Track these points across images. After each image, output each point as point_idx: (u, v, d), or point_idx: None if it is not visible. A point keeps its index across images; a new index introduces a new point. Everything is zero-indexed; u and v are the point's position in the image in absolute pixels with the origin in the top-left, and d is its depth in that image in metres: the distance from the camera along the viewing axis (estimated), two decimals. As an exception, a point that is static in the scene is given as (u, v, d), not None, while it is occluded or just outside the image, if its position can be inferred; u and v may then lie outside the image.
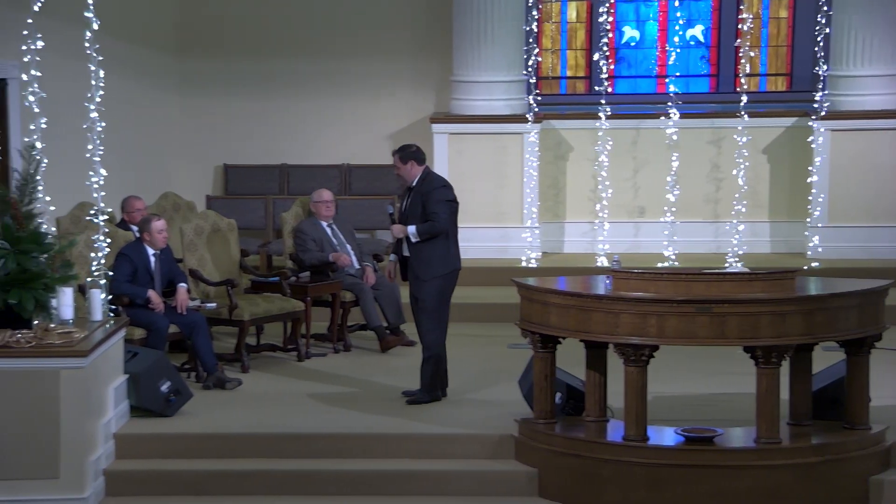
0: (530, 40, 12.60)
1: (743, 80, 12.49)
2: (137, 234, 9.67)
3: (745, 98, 12.25)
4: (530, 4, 12.54)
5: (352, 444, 8.23)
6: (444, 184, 8.96)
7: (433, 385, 8.94)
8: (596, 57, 12.93)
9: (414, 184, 8.89)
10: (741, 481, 7.58)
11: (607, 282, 7.94)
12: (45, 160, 8.16)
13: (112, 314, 8.70)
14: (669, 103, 12.38)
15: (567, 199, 13.09)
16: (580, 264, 12.40)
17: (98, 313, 8.40)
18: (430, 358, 8.92)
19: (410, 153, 8.92)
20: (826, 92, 12.63)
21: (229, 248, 10.42)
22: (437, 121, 12.94)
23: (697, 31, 14.21)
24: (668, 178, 12.48)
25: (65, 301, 8.16)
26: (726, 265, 12.03)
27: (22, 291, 7.73)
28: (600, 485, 7.75)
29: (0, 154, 8.40)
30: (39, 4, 8.34)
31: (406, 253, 8.92)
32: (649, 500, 7.66)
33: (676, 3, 13.57)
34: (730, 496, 7.58)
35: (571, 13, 14.23)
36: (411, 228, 8.82)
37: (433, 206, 8.82)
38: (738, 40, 13.09)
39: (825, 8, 12.60)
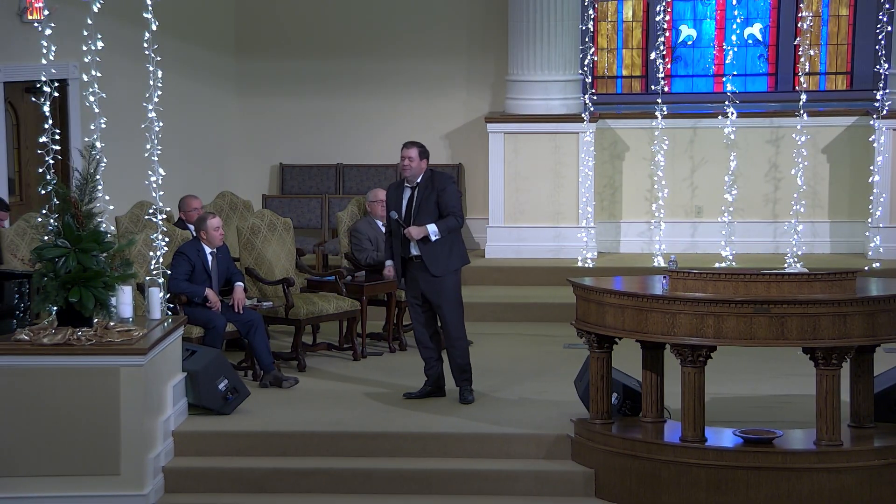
0: (586, 39, 12.55)
1: (802, 79, 12.35)
2: (195, 233, 9.74)
3: (804, 97, 12.12)
4: (586, 3, 12.49)
5: (408, 443, 8.24)
6: (454, 180, 8.96)
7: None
8: (652, 56, 12.86)
9: (419, 180, 8.83)
10: (802, 484, 7.49)
11: (664, 282, 7.89)
12: (105, 160, 8.23)
13: (170, 312, 8.77)
14: (727, 102, 12.28)
15: (623, 198, 13.02)
16: (636, 264, 12.35)
17: (157, 311, 8.48)
18: (466, 351, 8.89)
19: (427, 150, 8.90)
20: (887, 91, 12.47)
21: (285, 247, 10.47)
22: (493, 120, 12.92)
23: (755, 29, 14.08)
24: (726, 178, 12.38)
25: (124, 299, 8.24)
26: (785, 265, 11.92)
27: (82, 290, 7.81)
28: (658, 486, 7.70)
29: (60, 154, 8.47)
30: (99, 5, 8.42)
31: (415, 252, 8.82)
32: (708, 502, 7.59)
33: (734, 2, 13.45)
34: (791, 499, 7.50)
35: (628, 12, 14.16)
36: (432, 227, 8.75)
37: (453, 202, 8.79)
38: (798, 38, 12.96)
39: (887, 6, 12.44)
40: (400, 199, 8.87)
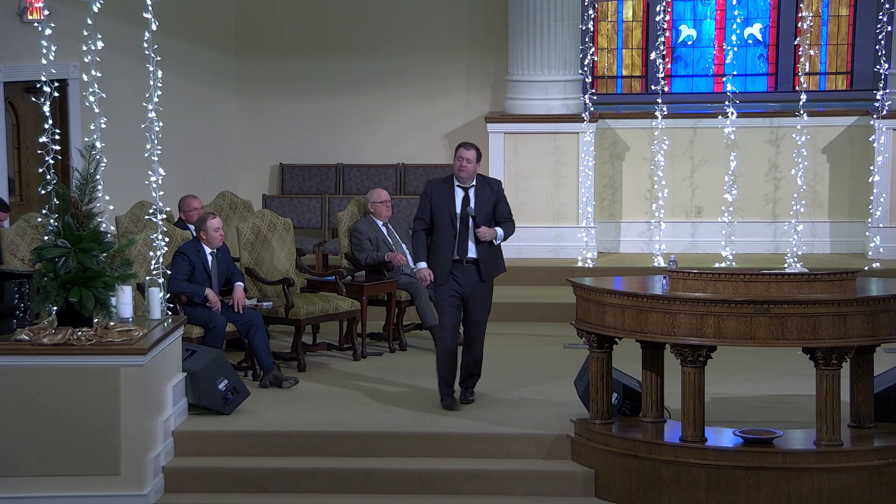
0: (586, 39, 12.56)
1: (802, 79, 12.36)
2: (195, 234, 9.74)
3: (804, 97, 12.12)
4: (586, 3, 12.49)
5: (408, 442, 8.24)
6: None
7: None
8: (652, 56, 12.86)
9: (474, 183, 8.79)
10: (802, 484, 7.49)
11: (664, 282, 7.89)
12: (105, 160, 8.23)
13: (170, 312, 8.77)
14: (727, 102, 12.28)
15: (623, 198, 13.02)
16: (636, 264, 12.36)
17: (156, 311, 8.47)
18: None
19: (481, 154, 8.82)
20: (887, 90, 12.47)
21: (285, 247, 10.47)
22: (493, 120, 12.92)
23: (755, 29, 14.08)
24: (726, 178, 12.38)
25: (124, 299, 8.24)
26: (785, 266, 11.92)
27: (82, 290, 7.81)
28: (659, 486, 7.69)
29: (60, 154, 8.47)
30: (99, 5, 8.42)
31: (472, 255, 8.69)
32: (709, 502, 7.59)
33: (734, 2, 13.44)
34: (791, 499, 7.50)
35: (628, 12, 14.16)
36: (499, 231, 8.68)
37: (509, 209, 8.79)
38: (798, 38, 12.96)
39: (887, 6, 12.44)
40: (451, 197, 8.66)
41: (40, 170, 8.29)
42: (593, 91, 12.52)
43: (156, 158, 8.63)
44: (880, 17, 12.47)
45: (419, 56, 13.61)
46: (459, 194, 8.67)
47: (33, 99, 8.56)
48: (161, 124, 8.64)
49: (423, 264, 8.71)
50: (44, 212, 8.13)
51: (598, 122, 12.75)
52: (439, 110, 13.63)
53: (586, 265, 12.32)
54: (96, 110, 8.45)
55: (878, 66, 12.52)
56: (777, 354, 9.63)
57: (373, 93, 13.69)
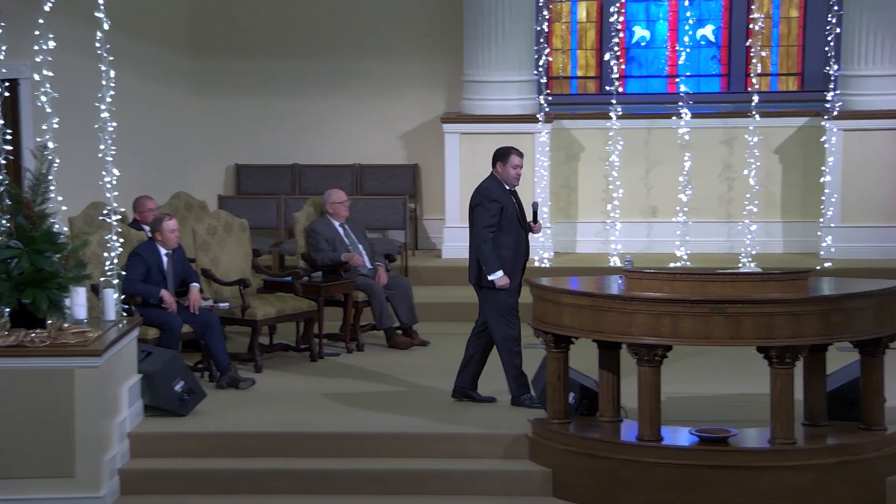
0: (541, 40, 12.59)
1: (754, 80, 12.46)
2: (150, 234, 9.67)
3: (756, 98, 12.22)
4: (541, 4, 12.53)
5: (366, 443, 8.23)
6: None
7: None
8: (606, 57, 12.92)
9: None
10: (758, 482, 7.55)
11: (620, 282, 7.93)
12: (58, 160, 8.17)
13: (125, 314, 8.71)
14: (681, 103, 12.36)
15: (579, 199, 13.07)
16: (593, 264, 12.39)
17: (111, 313, 8.41)
18: None
19: None
20: (838, 92, 12.60)
21: (242, 247, 10.42)
22: (449, 120, 12.93)
23: (708, 30, 14.19)
24: (681, 178, 12.46)
25: (78, 301, 8.17)
26: (739, 265, 12.01)
27: (36, 291, 7.74)
28: (616, 485, 7.73)
29: (12, 154, 8.40)
30: (51, 4, 8.34)
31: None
32: (666, 501, 7.64)
33: (686, 3, 13.53)
34: (750, 497, 7.55)
35: (582, 13, 14.22)
36: None
37: None
38: (749, 40, 13.06)
39: (836, 7, 12.56)
40: (512, 201, 8.84)
41: (-8, 170, 8.21)
42: (548, 91, 12.56)
43: (110, 158, 8.56)
44: (829, 20, 12.59)
45: (375, 56, 13.58)
46: (514, 198, 8.85)
47: (-16, 99, 8.46)
48: (115, 124, 8.58)
49: (500, 272, 8.67)
50: (-4, 212, 8.05)
51: (554, 123, 12.78)
52: (396, 111, 13.61)
53: (543, 265, 12.35)
54: (48, 110, 8.38)
55: (827, 68, 12.65)
56: (736, 353, 9.69)
57: (329, 93, 13.65)
